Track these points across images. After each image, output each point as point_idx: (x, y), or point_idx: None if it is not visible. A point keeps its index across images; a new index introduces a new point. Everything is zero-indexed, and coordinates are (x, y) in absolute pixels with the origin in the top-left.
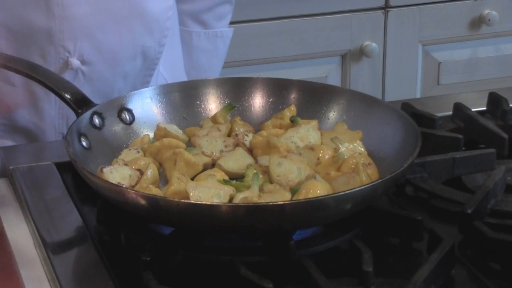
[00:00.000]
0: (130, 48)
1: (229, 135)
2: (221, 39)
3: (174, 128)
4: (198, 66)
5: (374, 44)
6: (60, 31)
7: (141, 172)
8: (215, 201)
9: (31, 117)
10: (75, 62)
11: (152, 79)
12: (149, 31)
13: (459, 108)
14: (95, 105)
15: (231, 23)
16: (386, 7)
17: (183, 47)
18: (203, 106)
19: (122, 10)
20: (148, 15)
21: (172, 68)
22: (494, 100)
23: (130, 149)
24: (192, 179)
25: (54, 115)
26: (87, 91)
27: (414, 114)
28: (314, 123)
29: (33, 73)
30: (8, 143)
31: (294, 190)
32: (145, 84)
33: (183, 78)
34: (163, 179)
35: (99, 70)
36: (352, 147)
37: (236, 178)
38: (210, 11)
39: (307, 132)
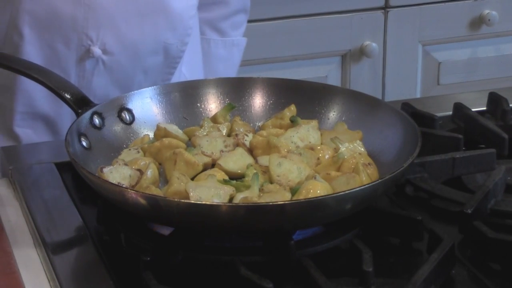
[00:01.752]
0: (152, 43)
1: (229, 135)
2: (237, 48)
3: (174, 128)
4: (215, 74)
5: (374, 44)
6: (85, 18)
7: (141, 172)
8: (215, 201)
9: (51, 103)
10: (96, 50)
11: (173, 78)
12: (172, 27)
13: (459, 108)
14: (95, 105)
15: None
16: (386, 7)
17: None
18: (203, 106)
19: (147, 4)
20: (171, 11)
21: (193, 71)
22: (494, 100)
23: (130, 149)
24: (192, 179)
25: None
26: (106, 80)
27: (414, 114)
28: (314, 123)
29: (33, 72)
30: (28, 131)
31: (294, 190)
32: (165, 81)
33: None
34: (163, 179)
35: (120, 61)
36: (352, 147)
37: (236, 178)
38: (226, 19)
39: (307, 132)
